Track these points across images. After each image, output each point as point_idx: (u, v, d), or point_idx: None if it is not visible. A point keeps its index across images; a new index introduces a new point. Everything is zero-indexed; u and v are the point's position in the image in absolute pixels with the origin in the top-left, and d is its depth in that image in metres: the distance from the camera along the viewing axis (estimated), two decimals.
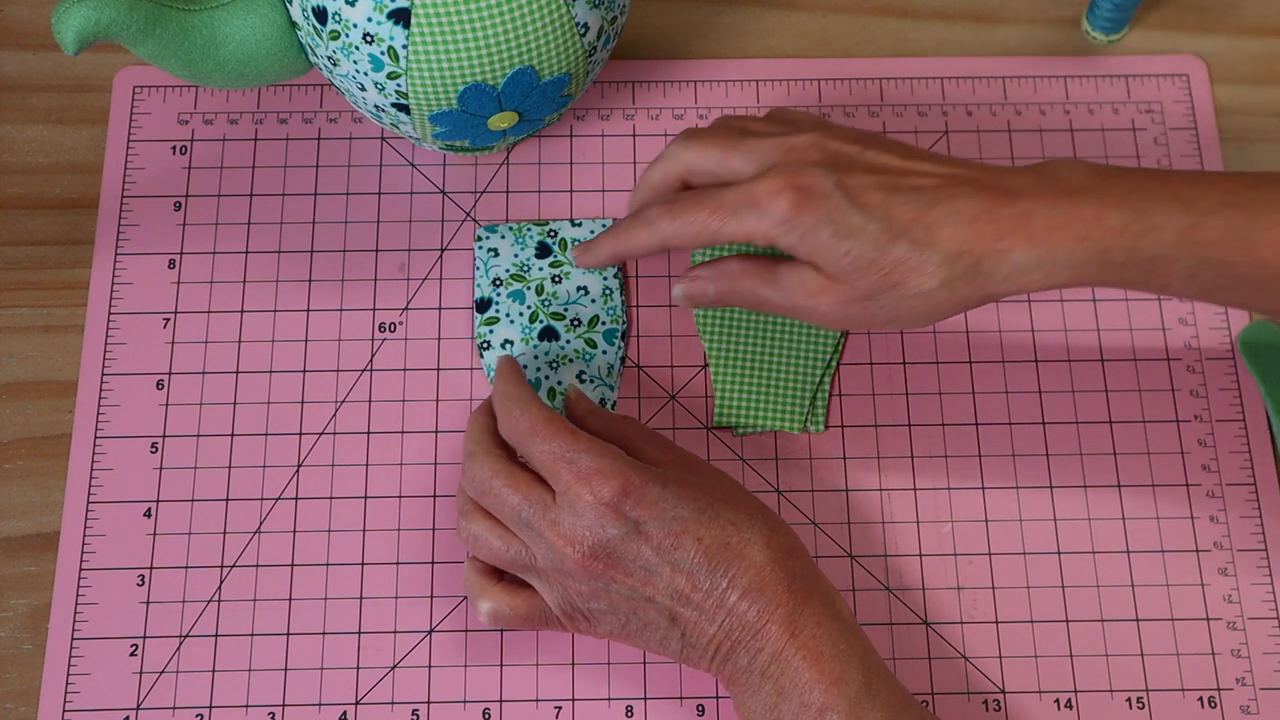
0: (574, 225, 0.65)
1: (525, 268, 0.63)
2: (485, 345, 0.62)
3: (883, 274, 0.52)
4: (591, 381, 0.62)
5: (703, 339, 0.63)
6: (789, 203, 0.52)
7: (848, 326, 0.55)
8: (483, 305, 0.63)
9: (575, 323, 0.63)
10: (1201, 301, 0.54)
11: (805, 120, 0.57)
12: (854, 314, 0.53)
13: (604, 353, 0.62)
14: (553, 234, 0.64)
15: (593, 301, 0.63)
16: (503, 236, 0.64)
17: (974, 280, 0.51)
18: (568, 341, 0.62)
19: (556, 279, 0.63)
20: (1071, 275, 0.51)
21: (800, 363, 0.63)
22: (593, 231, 0.64)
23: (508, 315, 0.63)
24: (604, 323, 0.63)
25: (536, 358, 0.62)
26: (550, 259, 0.64)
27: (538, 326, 0.62)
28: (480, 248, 0.64)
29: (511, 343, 0.62)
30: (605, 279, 0.63)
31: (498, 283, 0.63)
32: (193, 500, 0.61)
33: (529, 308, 0.63)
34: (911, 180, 0.52)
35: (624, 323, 0.63)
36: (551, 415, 0.54)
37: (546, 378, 0.62)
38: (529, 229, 0.64)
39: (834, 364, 0.63)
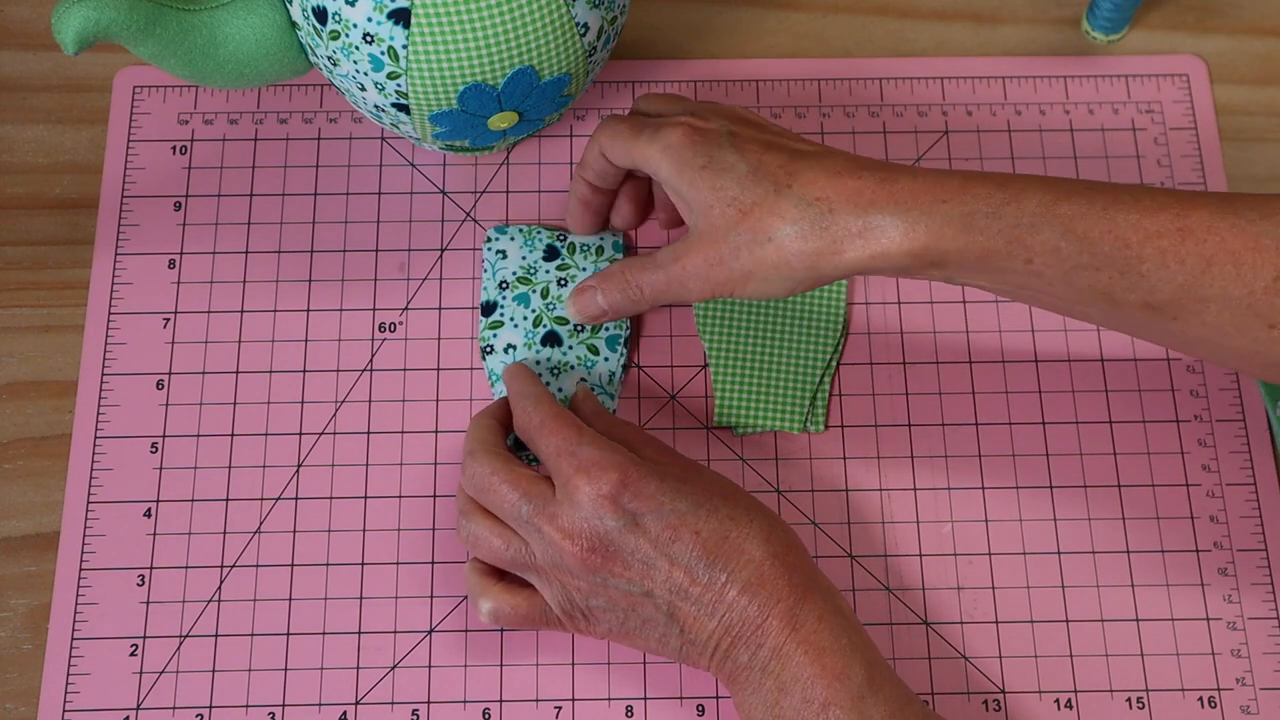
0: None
1: (532, 270, 0.63)
2: (489, 349, 0.62)
3: (742, 213, 0.52)
4: (592, 389, 0.61)
5: (703, 339, 0.63)
6: (680, 133, 0.54)
7: (712, 289, 0.55)
8: (488, 309, 0.63)
9: (579, 328, 0.62)
10: (1067, 295, 0.52)
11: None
12: (717, 275, 0.54)
13: (605, 360, 0.62)
14: (562, 237, 0.64)
15: None
16: (512, 239, 0.64)
17: (827, 231, 0.52)
18: (570, 348, 0.62)
19: (562, 282, 0.63)
20: (931, 236, 0.51)
21: (800, 363, 0.63)
22: (601, 238, 0.64)
23: (512, 319, 0.62)
24: (607, 328, 0.62)
25: (539, 363, 0.62)
26: (558, 262, 0.63)
27: (541, 331, 0.62)
28: (489, 249, 0.64)
29: (514, 347, 0.62)
30: None
31: (504, 286, 0.63)
32: (193, 500, 0.61)
33: (533, 311, 0.62)
34: (796, 144, 0.55)
35: (627, 329, 0.62)
36: (561, 412, 0.55)
37: (548, 384, 0.61)
38: (539, 232, 0.64)
39: (834, 364, 0.63)
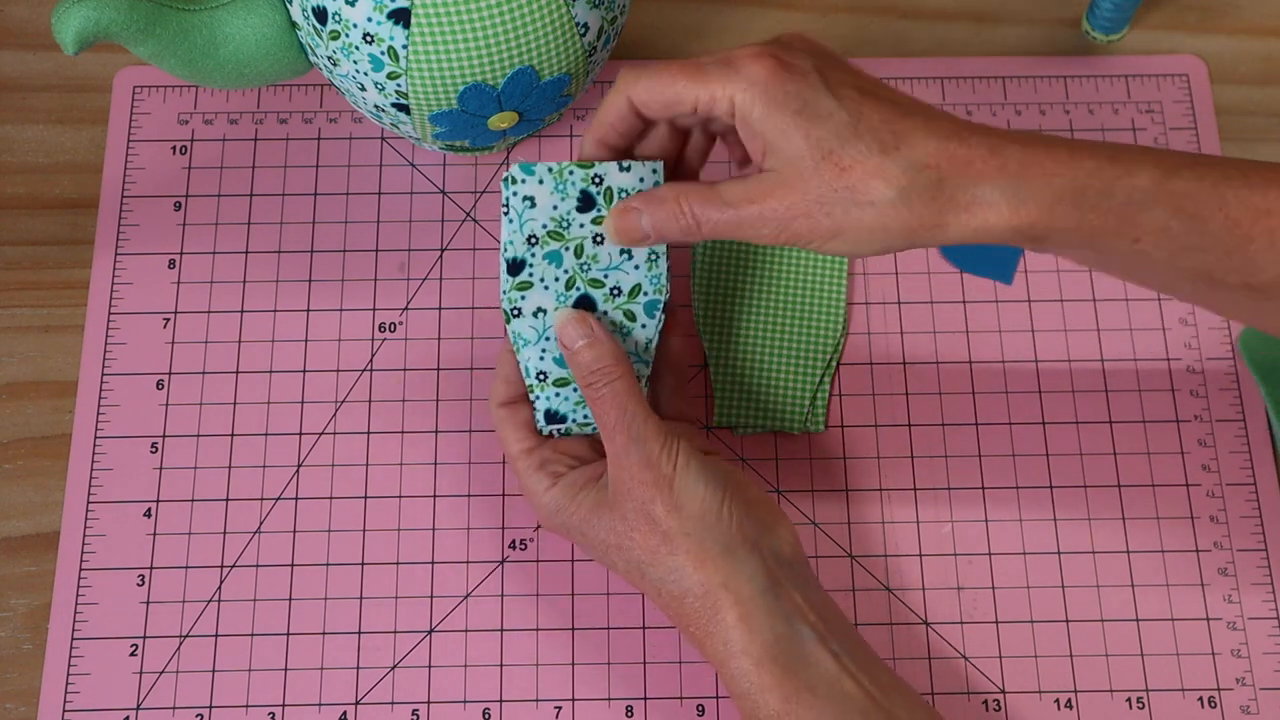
0: (622, 170, 0.55)
1: (565, 224, 0.55)
2: (516, 312, 0.56)
3: (839, 169, 0.48)
4: (629, 358, 0.57)
5: (703, 339, 0.63)
6: (766, 68, 0.49)
7: (789, 238, 0.50)
8: (515, 266, 0.55)
9: (615, 291, 0.56)
10: (1167, 274, 0.50)
11: None
12: (798, 226, 0.50)
13: (643, 326, 0.56)
14: (598, 180, 0.55)
15: (636, 268, 0.56)
16: (540, 181, 0.55)
17: (934, 201, 0.48)
18: (604, 313, 0.56)
19: (599, 239, 0.55)
20: (1041, 212, 0.48)
21: (800, 363, 0.63)
22: (642, 178, 0.55)
23: (542, 280, 0.55)
24: (646, 293, 0.56)
25: None
26: (594, 213, 0.55)
27: (574, 294, 0.55)
28: (515, 194, 0.55)
29: (545, 311, 0.55)
30: None
31: (533, 240, 0.55)
32: (193, 500, 0.61)
33: (566, 272, 0.55)
34: (890, 94, 0.50)
35: (667, 293, 0.56)
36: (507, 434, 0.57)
37: None
38: (572, 171, 0.55)
39: (834, 364, 0.63)
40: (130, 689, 0.58)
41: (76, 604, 0.59)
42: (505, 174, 0.54)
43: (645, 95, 0.52)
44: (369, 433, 0.63)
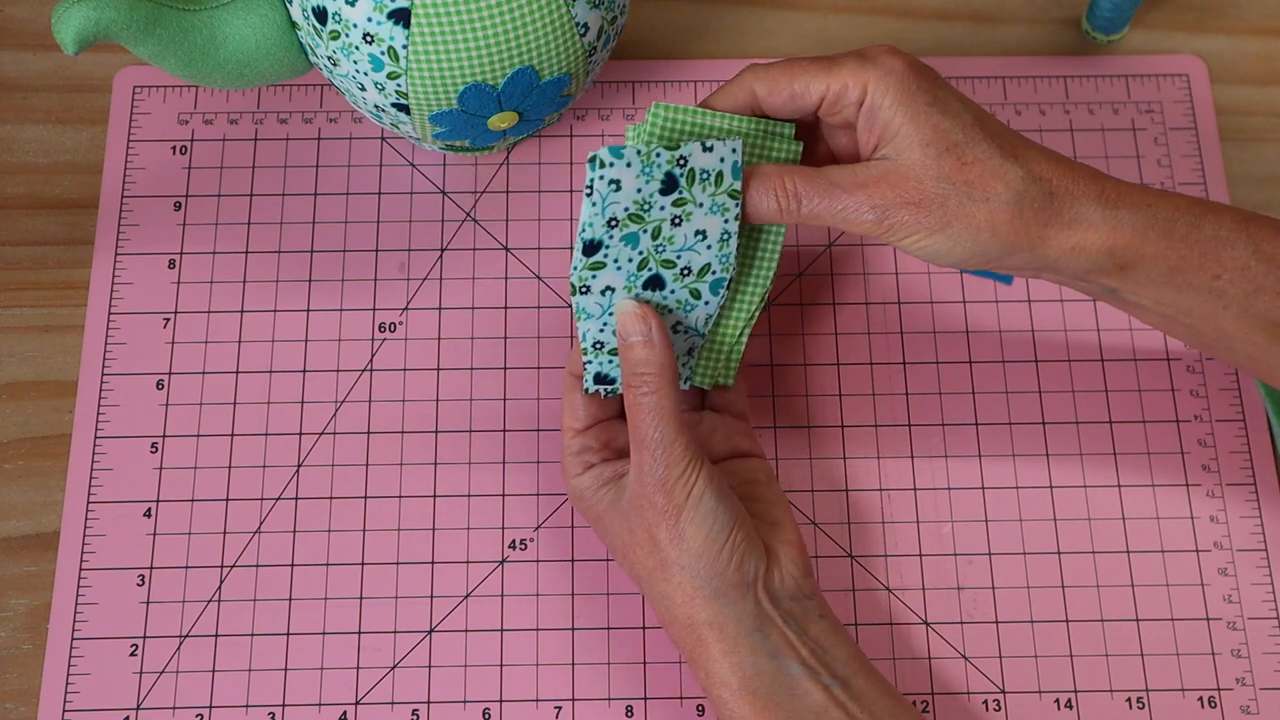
0: (705, 150, 0.53)
1: (646, 206, 0.54)
2: (584, 289, 0.55)
3: (961, 163, 0.51)
4: (686, 332, 0.57)
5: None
6: (903, 62, 0.52)
7: (889, 228, 0.51)
8: (591, 248, 0.54)
9: (685, 271, 0.55)
10: (1236, 322, 0.52)
11: None
12: (904, 215, 0.51)
13: (705, 303, 0.56)
14: (683, 161, 0.53)
15: (708, 248, 0.55)
16: (629, 164, 0.53)
17: (1043, 211, 0.51)
18: (671, 291, 0.56)
19: (677, 220, 0.54)
20: (1135, 236, 0.51)
21: (728, 316, 0.58)
22: (723, 158, 0.53)
23: (616, 261, 0.54)
24: (714, 271, 0.55)
25: None
26: (674, 196, 0.54)
27: (645, 275, 0.55)
28: (601, 178, 0.53)
29: (613, 289, 0.55)
30: (726, 222, 0.55)
31: (613, 223, 0.54)
32: (193, 500, 0.61)
33: (641, 253, 0.55)
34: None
35: (733, 270, 0.56)
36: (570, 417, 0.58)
37: None
38: (659, 154, 0.53)
39: (756, 316, 0.59)
40: (130, 689, 0.58)
41: (76, 604, 0.59)
42: (592, 154, 0.53)
43: (770, 86, 0.53)
44: (369, 433, 0.63)
